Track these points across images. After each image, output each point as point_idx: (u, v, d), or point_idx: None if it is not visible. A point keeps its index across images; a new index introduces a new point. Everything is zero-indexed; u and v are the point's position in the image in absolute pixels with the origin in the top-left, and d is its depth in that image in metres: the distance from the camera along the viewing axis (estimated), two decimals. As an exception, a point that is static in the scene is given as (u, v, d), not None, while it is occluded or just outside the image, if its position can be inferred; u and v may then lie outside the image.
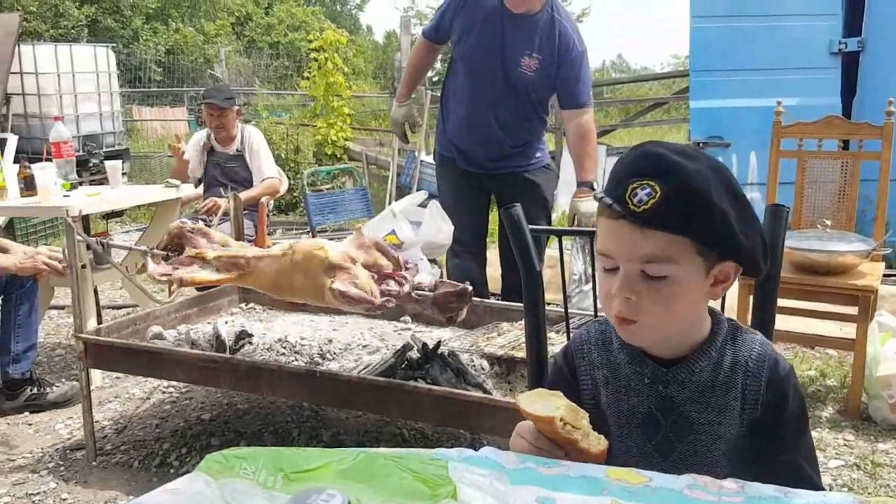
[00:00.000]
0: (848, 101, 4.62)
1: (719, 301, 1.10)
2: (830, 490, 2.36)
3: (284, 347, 2.68)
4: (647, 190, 0.93)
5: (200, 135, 4.47)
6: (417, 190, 6.87)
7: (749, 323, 1.22)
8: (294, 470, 0.72)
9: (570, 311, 1.57)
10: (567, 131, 3.15)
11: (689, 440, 1.04)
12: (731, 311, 1.20)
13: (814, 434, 2.68)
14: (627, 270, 0.97)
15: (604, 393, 1.09)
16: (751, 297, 1.35)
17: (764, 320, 1.29)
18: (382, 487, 0.75)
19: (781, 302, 2.88)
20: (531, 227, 1.37)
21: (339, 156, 8.69)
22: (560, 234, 1.54)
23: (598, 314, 1.50)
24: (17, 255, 2.79)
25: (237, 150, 4.35)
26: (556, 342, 2.25)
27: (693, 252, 0.96)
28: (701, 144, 4.56)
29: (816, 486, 1.03)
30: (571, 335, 1.19)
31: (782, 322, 2.98)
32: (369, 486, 0.74)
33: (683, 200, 0.92)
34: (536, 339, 1.39)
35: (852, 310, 2.80)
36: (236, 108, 4.37)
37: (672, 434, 1.04)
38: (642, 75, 17.37)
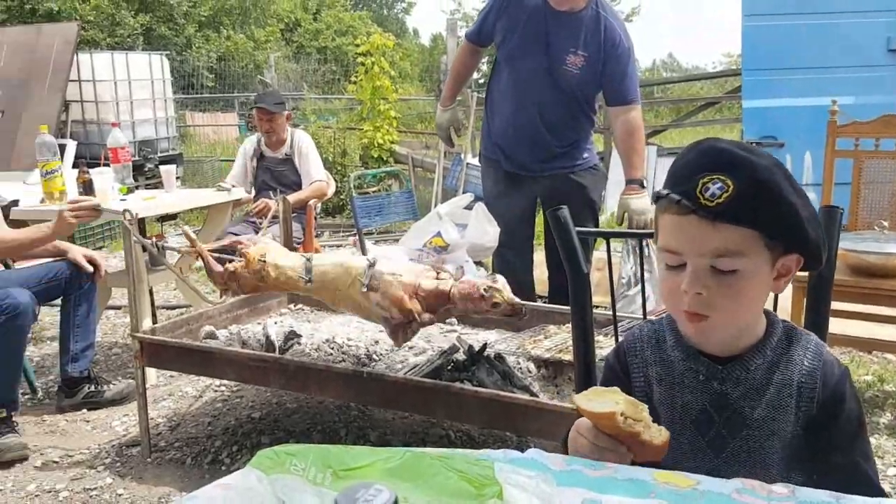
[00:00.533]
0: (906, 100, 4.48)
1: (771, 302, 1.09)
2: (888, 498, 2.29)
3: (332, 348, 2.71)
4: (719, 184, 0.94)
5: (251, 141, 4.56)
6: (463, 192, 6.88)
7: (802, 326, 1.20)
8: (342, 467, 0.74)
9: (617, 314, 1.56)
10: (614, 128, 3.12)
11: (742, 436, 1.04)
12: (783, 314, 1.18)
13: (871, 440, 2.61)
14: (696, 266, 0.97)
15: (657, 390, 1.09)
16: (804, 300, 1.32)
17: (817, 323, 1.27)
18: (429, 486, 0.76)
19: (838, 305, 2.84)
20: (578, 229, 1.37)
21: (385, 159, 8.76)
22: (608, 236, 1.53)
23: (648, 317, 1.49)
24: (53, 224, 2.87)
25: (286, 155, 4.42)
26: (605, 345, 2.24)
27: (761, 245, 0.97)
28: (754, 144, 4.47)
29: (875, 486, 1.02)
30: (622, 334, 1.19)
31: (839, 326, 2.90)
32: (415, 485, 0.75)
33: (754, 194, 0.94)
34: (584, 343, 1.38)
35: (912, 314, 2.72)
36: (286, 112, 4.44)
37: (725, 430, 1.04)
38: (693, 74, 17.09)
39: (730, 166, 0.95)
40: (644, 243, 2.65)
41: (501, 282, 2.16)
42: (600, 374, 1.29)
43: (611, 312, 1.54)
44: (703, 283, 0.97)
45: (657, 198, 1.01)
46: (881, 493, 1.03)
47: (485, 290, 2.13)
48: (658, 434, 0.94)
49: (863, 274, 2.76)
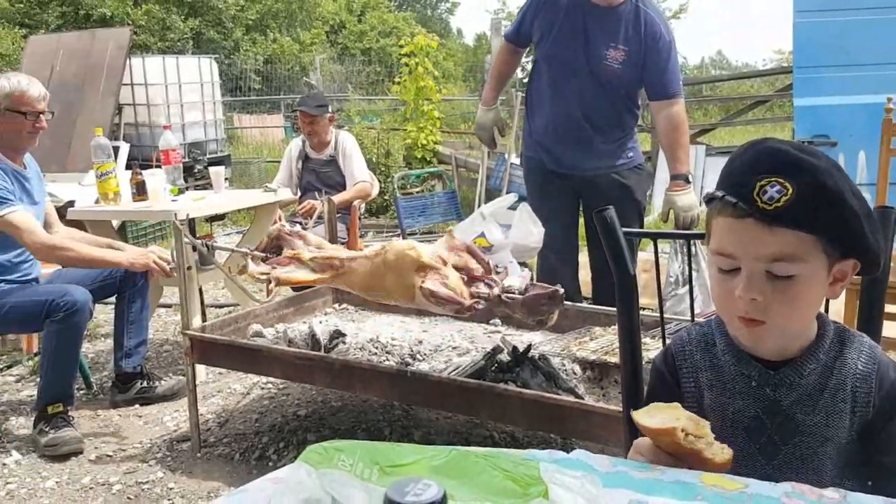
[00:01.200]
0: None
1: (822, 305, 1.07)
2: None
3: (376, 347, 2.73)
4: (777, 187, 0.92)
5: (296, 143, 4.62)
6: (507, 192, 6.87)
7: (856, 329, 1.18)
8: (389, 464, 0.75)
9: (665, 316, 1.54)
10: (657, 123, 3.08)
11: (795, 442, 1.02)
12: (836, 317, 1.15)
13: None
14: (752, 270, 0.96)
15: (707, 396, 1.07)
16: (857, 303, 1.29)
17: (871, 327, 1.24)
18: (474, 484, 0.77)
19: (892, 308, 2.75)
20: (625, 229, 1.36)
21: (428, 159, 8.78)
22: (655, 236, 1.51)
23: (696, 319, 1.47)
24: (131, 253, 2.98)
25: (330, 156, 4.47)
26: (651, 347, 2.21)
27: (819, 250, 0.95)
28: (806, 143, 4.37)
29: None
30: (670, 338, 1.17)
31: (893, 329, 2.82)
32: (461, 483, 0.75)
33: (815, 198, 0.92)
34: (631, 345, 1.37)
35: (972, 318, 2.63)
36: (328, 115, 4.49)
37: (777, 436, 1.03)
38: (743, 72, 16.75)
39: (788, 168, 0.93)
40: (692, 243, 2.62)
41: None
42: (647, 377, 1.28)
43: (657, 314, 1.53)
44: (758, 289, 0.95)
45: (710, 199, 0.99)
46: None
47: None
48: (721, 452, 0.92)
49: (920, 276, 2.68)
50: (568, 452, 0.91)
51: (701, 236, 1.35)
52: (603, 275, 3.07)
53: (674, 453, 0.93)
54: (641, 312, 1.41)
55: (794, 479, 1.00)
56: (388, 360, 2.65)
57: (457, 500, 0.72)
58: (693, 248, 2.98)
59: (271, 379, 3.31)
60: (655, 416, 0.94)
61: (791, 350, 1.02)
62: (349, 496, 0.63)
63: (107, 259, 3.01)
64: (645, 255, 4.03)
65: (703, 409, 1.07)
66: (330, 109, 4.61)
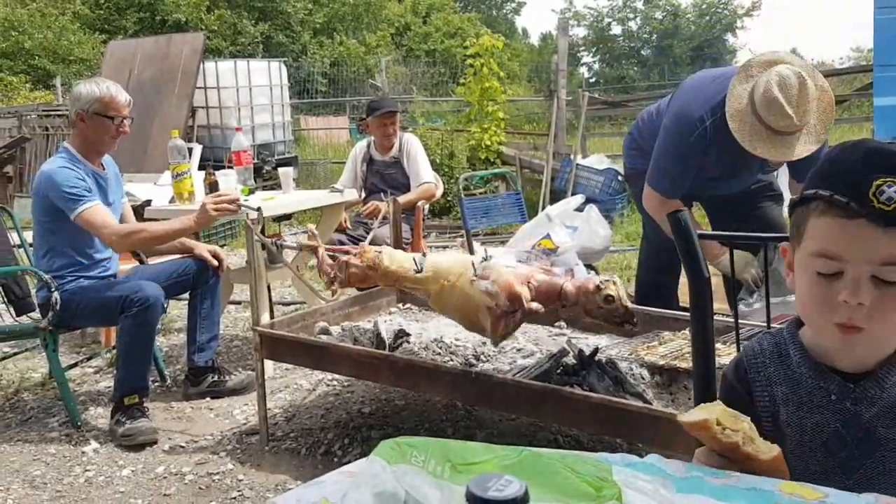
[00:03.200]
0: None
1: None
2: None
3: (440, 347, 2.74)
4: (895, 188, 0.89)
5: (360, 145, 4.68)
6: (573, 194, 6.81)
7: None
8: (461, 461, 0.75)
9: (739, 321, 1.50)
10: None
11: (877, 457, 0.98)
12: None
13: None
14: (859, 274, 0.92)
15: (783, 410, 1.03)
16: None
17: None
18: (547, 485, 0.76)
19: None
20: (700, 232, 1.33)
21: (492, 160, 8.78)
22: (730, 238, 1.48)
23: (771, 326, 1.43)
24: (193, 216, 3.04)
25: (394, 157, 4.51)
26: (723, 353, 2.16)
27: None
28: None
29: None
30: (742, 348, 1.13)
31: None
32: (534, 483, 0.75)
33: None
34: (704, 350, 1.33)
35: None
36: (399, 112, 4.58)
37: (858, 451, 0.99)
38: (820, 71, 16.23)
39: None
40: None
41: (616, 280, 2.13)
42: (718, 384, 1.25)
43: (730, 319, 1.49)
44: (865, 293, 0.91)
45: (807, 199, 0.95)
46: None
47: (600, 282, 2.11)
48: (767, 450, 0.90)
49: None
50: (641, 456, 0.90)
51: (779, 239, 1.31)
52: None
53: (721, 451, 0.92)
54: (714, 317, 1.37)
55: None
56: (452, 360, 2.65)
57: (530, 500, 0.71)
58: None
59: (336, 376, 3.36)
60: (694, 412, 0.93)
61: (871, 361, 0.98)
62: (423, 492, 0.63)
63: (175, 228, 3.09)
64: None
65: (780, 423, 1.03)
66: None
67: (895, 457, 0.97)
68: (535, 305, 2.18)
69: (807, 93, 2.47)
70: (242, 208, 3.06)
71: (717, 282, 3.37)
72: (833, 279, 0.93)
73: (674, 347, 2.42)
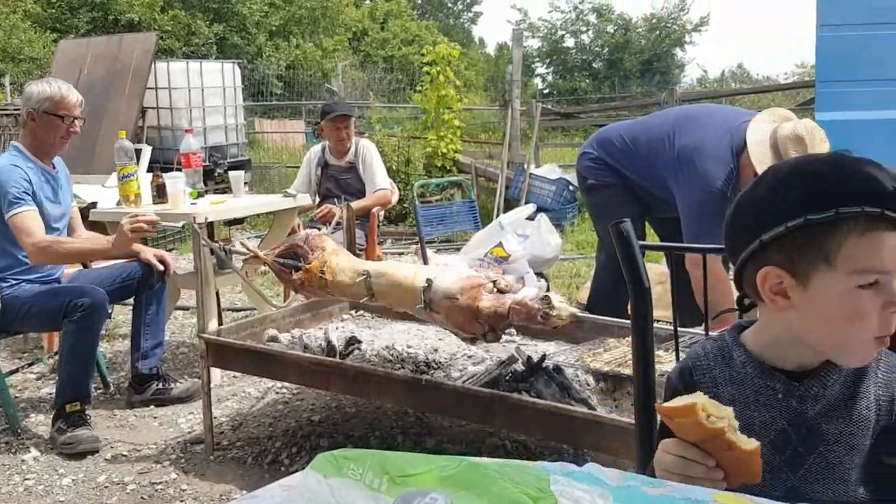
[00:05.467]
0: None
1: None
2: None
3: (391, 355, 2.73)
4: None
5: (315, 150, 4.64)
6: (525, 203, 6.87)
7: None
8: (399, 473, 0.74)
9: (679, 329, 1.54)
10: None
11: (820, 452, 1.01)
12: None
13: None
14: (893, 282, 0.92)
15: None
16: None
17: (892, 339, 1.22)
18: (484, 496, 0.76)
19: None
20: (642, 243, 1.36)
21: (448, 168, 8.80)
22: (671, 249, 1.51)
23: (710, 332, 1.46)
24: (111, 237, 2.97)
25: (349, 163, 4.48)
26: (665, 360, 2.20)
27: None
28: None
29: None
30: (686, 353, 1.16)
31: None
32: (471, 494, 0.75)
33: None
34: (644, 357, 1.36)
35: None
36: (354, 117, 4.55)
37: (802, 448, 1.01)
38: (764, 86, 16.67)
39: None
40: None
41: (555, 301, 2.17)
42: (660, 389, 1.27)
43: (671, 327, 1.52)
44: None
45: (841, 218, 0.92)
46: None
47: (542, 316, 2.14)
48: (747, 441, 0.90)
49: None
50: (580, 463, 0.91)
51: (717, 251, 1.34)
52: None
53: (699, 442, 0.91)
54: (655, 325, 1.40)
55: (821, 489, 1.00)
56: (403, 367, 2.65)
57: (465, 512, 0.71)
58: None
59: (286, 384, 3.32)
60: (679, 400, 0.92)
61: (813, 362, 1.01)
62: (358, 505, 0.63)
63: (89, 248, 3.07)
64: (662, 268, 4.01)
65: None
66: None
67: (837, 451, 1.00)
68: (490, 337, 2.30)
69: (823, 146, 2.74)
70: (180, 215, 3.01)
71: (661, 290, 3.43)
72: (869, 292, 0.93)
73: (618, 354, 2.46)
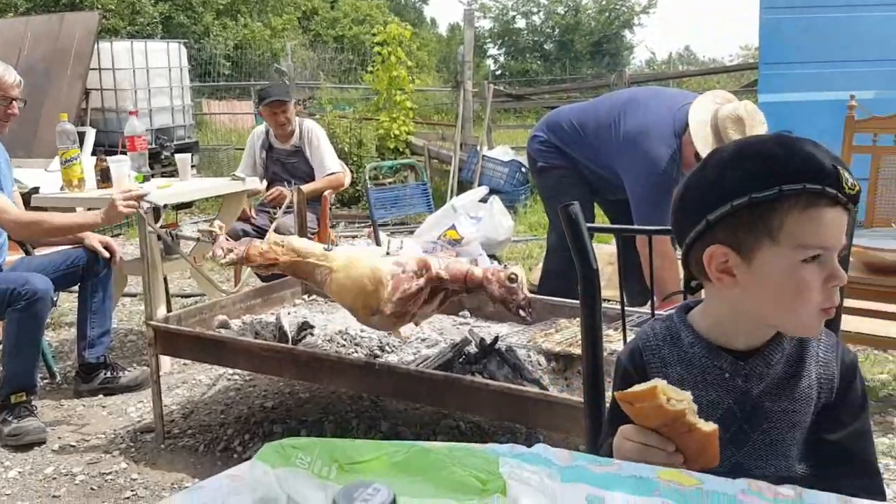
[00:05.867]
0: (929, 95, 4.42)
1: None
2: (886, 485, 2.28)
3: (345, 339, 2.72)
4: (848, 173, 0.94)
5: (259, 131, 4.50)
6: (479, 185, 6.88)
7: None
8: (348, 461, 0.74)
9: (627, 308, 1.56)
10: None
11: (763, 429, 1.04)
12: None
13: (885, 440, 2.60)
14: (834, 257, 0.96)
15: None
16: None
17: (830, 322, 1.26)
18: (434, 481, 0.77)
19: (853, 303, 2.81)
20: (590, 225, 1.37)
21: (401, 150, 8.75)
22: (619, 231, 1.53)
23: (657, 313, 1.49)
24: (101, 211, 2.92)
25: (295, 146, 4.37)
26: (614, 339, 2.24)
27: None
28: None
29: (871, 464, 1.05)
30: (635, 334, 1.17)
31: (853, 323, 2.88)
32: (421, 479, 0.76)
33: None
34: (593, 337, 1.38)
35: (928, 313, 2.69)
36: (293, 100, 4.42)
37: (747, 425, 1.04)
38: (710, 68, 16.95)
39: (835, 155, 0.96)
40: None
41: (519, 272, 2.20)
42: (609, 368, 1.29)
43: (619, 307, 1.54)
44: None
45: (777, 197, 0.94)
46: (877, 473, 1.05)
47: (504, 267, 2.17)
48: (705, 423, 0.92)
49: (878, 272, 2.74)
50: (533, 442, 0.92)
51: (663, 232, 1.37)
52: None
53: (659, 427, 0.92)
54: (606, 305, 1.42)
55: (764, 465, 1.03)
56: (356, 352, 2.64)
57: (415, 497, 0.72)
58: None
59: (238, 371, 3.29)
60: (639, 385, 0.93)
61: (758, 341, 1.04)
62: (305, 495, 0.63)
63: (79, 222, 2.99)
64: (612, 248, 4.06)
65: None
66: (295, 97, 4.54)
67: (780, 428, 1.03)
68: (443, 273, 2.23)
69: (762, 127, 2.81)
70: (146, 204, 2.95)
71: (612, 271, 3.49)
72: (813, 264, 0.96)
73: (569, 335, 2.49)
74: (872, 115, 3.07)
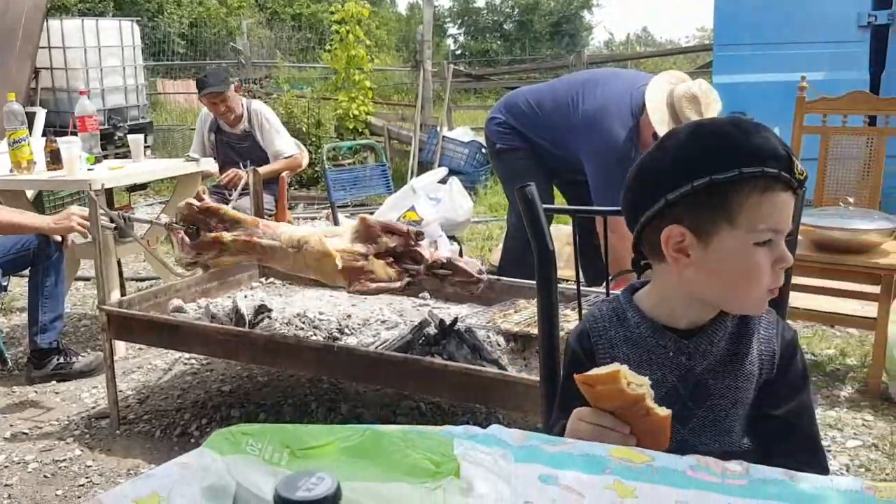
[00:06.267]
0: (877, 76, 4.52)
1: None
2: (847, 470, 2.36)
3: (303, 322, 2.71)
4: (796, 160, 0.97)
5: (207, 112, 4.38)
6: (439, 166, 6.86)
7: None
8: (300, 446, 0.74)
9: (584, 288, 1.58)
10: None
11: (707, 406, 1.06)
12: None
13: (832, 413, 2.68)
14: (782, 240, 0.99)
15: None
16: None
17: (778, 300, 1.28)
18: (387, 464, 0.77)
19: (802, 280, 2.88)
20: (546, 206, 1.38)
21: (360, 130, 8.67)
22: (575, 213, 1.54)
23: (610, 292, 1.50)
24: (52, 217, 2.87)
25: (245, 131, 4.28)
26: (572, 319, 2.26)
27: None
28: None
29: (813, 438, 1.08)
30: (583, 317, 1.18)
31: (802, 300, 2.95)
32: (374, 464, 0.75)
33: None
34: (549, 317, 1.39)
35: (875, 288, 2.77)
36: (234, 84, 4.31)
37: (691, 402, 1.06)
38: (667, 49, 17.08)
39: (784, 143, 0.98)
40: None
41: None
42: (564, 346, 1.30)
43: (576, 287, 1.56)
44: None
45: (735, 180, 0.95)
46: (818, 447, 1.08)
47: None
48: (661, 408, 0.93)
49: (827, 249, 2.81)
50: (493, 422, 0.92)
51: (617, 212, 1.38)
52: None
53: (619, 407, 0.93)
54: (563, 285, 1.43)
55: (709, 441, 1.05)
56: (315, 334, 2.63)
57: (368, 482, 0.72)
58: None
59: (195, 355, 3.24)
60: (602, 368, 0.94)
61: (702, 320, 1.05)
62: (255, 482, 0.62)
63: (26, 224, 2.92)
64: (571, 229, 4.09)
65: None
66: (231, 81, 4.40)
67: (723, 405, 1.05)
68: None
69: (716, 105, 2.86)
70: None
71: (571, 251, 3.51)
72: (765, 248, 0.98)
73: (528, 315, 2.51)
74: (822, 95, 3.13)
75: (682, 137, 1.02)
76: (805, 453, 1.05)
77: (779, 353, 1.06)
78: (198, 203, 2.37)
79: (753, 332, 1.06)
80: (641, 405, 0.93)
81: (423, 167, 7.44)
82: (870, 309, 2.89)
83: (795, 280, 2.84)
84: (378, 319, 2.81)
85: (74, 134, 3.75)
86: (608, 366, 0.94)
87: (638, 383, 0.93)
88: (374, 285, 2.15)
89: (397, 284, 2.23)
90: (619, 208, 1.12)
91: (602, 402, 0.95)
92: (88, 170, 3.43)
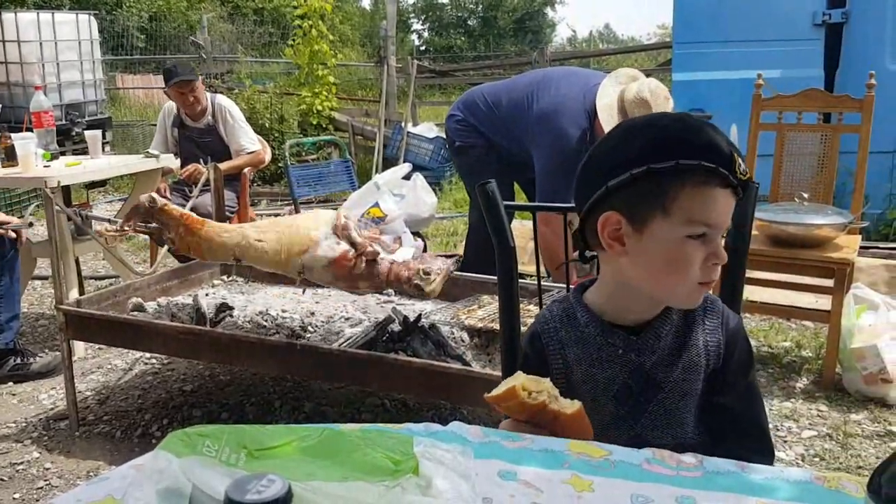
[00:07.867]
0: (832, 74, 4.62)
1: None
2: (803, 459, 2.41)
3: (266, 320, 2.68)
4: (741, 160, 0.99)
5: (170, 107, 4.30)
6: (403, 162, 6.84)
7: (718, 294, 1.24)
8: (257, 447, 0.73)
9: (544, 283, 1.60)
10: None
11: (658, 400, 1.08)
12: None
13: (788, 404, 2.74)
14: (718, 237, 1.01)
15: (577, 370, 1.10)
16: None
17: (733, 291, 1.31)
18: (347, 462, 0.77)
19: (758, 274, 2.94)
20: (507, 203, 1.39)
21: (324, 126, 8.60)
22: (535, 209, 1.55)
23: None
24: None
25: (208, 124, 4.22)
26: (534, 314, 2.28)
27: None
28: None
29: (760, 425, 1.10)
30: (535, 318, 1.19)
31: (758, 293, 3.01)
32: (332, 463, 0.75)
33: None
34: (510, 313, 1.41)
35: (828, 282, 2.84)
36: (200, 77, 4.27)
37: (642, 398, 1.08)
38: (628, 46, 17.28)
39: (732, 144, 1.00)
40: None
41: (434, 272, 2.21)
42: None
43: (541, 283, 1.57)
44: (724, 253, 1.02)
45: (674, 170, 0.97)
46: (765, 433, 1.11)
47: (415, 286, 2.19)
48: (569, 406, 0.96)
49: (783, 244, 2.87)
50: (457, 418, 0.93)
51: (574, 210, 1.39)
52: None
53: (528, 420, 0.97)
54: (525, 281, 1.45)
55: (661, 434, 1.06)
56: (278, 333, 2.61)
57: (327, 481, 0.72)
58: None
59: (155, 354, 3.20)
60: (500, 387, 0.97)
61: (648, 316, 1.07)
62: (211, 484, 0.62)
63: None
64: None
65: (574, 383, 1.10)
66: (199, 74, 4.34)
67: (673, 398, 1.07)
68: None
69: (666, 104, 2.83)
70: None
71: (533, 246, 3.54)
72: (698, 241, 0.99)
73: (491, 311, 2.52)
74: (777, 93, 3.18)
75: (630, 129, 1.06)
76: (751, 439, 1.07)
77: (724, 342, 1.08)
78: (148, 204, 2.34)
79: (698, 324, 1.08)
80: (546, 411, 0.96)
81: (388, 163, 7.42)
82: (824, 302, 2.97)
83: (752, 274, 2.91)
84: (342, 317, 2.79)
85: (30, 130, 3.67)
86: (508, 380, 0.97)
87: (538, 391, 0.95)
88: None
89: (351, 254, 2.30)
90: (573, 205, 1.13)
91: (514, 414, 0.98)
92: (45, 166, 3.37)
